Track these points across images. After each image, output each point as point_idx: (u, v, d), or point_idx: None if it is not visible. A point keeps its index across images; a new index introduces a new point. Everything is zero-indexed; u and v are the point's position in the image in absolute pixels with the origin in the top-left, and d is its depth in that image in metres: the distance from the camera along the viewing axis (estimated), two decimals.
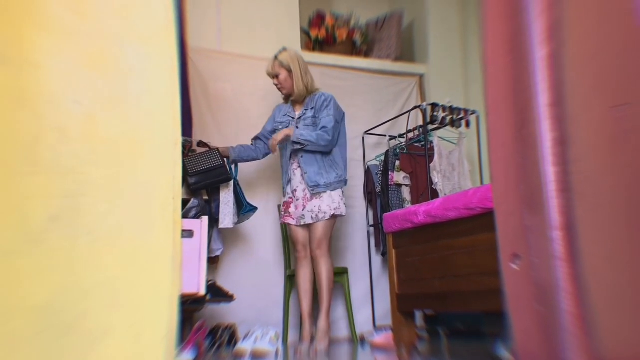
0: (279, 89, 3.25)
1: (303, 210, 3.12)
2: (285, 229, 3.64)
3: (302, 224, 3.12)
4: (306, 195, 3.12)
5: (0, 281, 1.00)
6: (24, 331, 0.98)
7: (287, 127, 3.20)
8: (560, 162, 0.54)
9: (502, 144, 0.60)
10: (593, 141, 0.51)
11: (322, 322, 3.03)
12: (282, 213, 3.24)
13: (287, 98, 3.30)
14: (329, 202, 3.09)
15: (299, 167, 3.15)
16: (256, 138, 3.41)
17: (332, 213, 3.07)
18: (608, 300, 0.52)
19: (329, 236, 3.14)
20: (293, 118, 3.23)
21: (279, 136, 3.11)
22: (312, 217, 3.08)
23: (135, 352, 1.05)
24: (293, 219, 3.17)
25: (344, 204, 3.16)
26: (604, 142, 0.50)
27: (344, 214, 3.14)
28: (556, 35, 0.55)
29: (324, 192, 3.09)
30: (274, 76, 3.22)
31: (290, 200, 3.21)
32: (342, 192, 3.16)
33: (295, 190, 3.17)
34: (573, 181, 0.53)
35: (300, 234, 3.17)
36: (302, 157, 3.13)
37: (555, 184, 0.55)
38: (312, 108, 3.17)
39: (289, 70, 3.18)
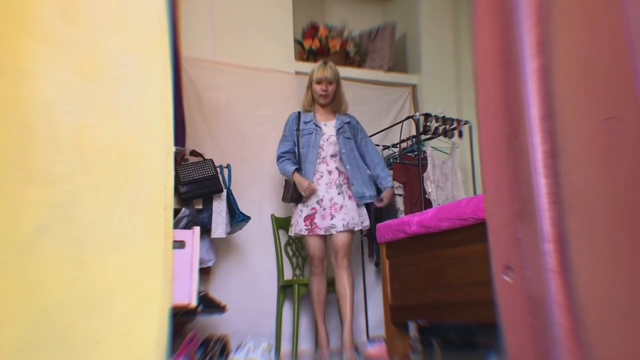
0: (322, 95, 3.29)
1: (332, 219, 3.15)
2: (278, 239, 3.62)
3: (332, 232, 3.15)
4: (335, 204, 3.17)
5: None
6: (13, 343, 0.96)
7: (310, 134, 3.27)
8: (552, 174, 0.54)
9: (494, 156, 0.61)
10: (583, 153, 0.51)
11: (347, 333, 3.04)
12: (308, 226, 3.19)
13: (310, 106, 3.37)
14: (361, 212, 3.23)
15: (338, 177, 3.23)
16: (289, 152, 3.37)
17: (362, 227, 3.22)
18: (600, 313, 0.52)
19: (351, 248, 3.23)
20: (318, 127, 3.30)
21: (388, 199, 3.34)
22: (343, 225, 3.13)
23: None
24: (321, 229, 3.16)
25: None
26: (594, 154, 0.50)
27: (365, 228, 3.33)
28: (546, 49, 0.56)
29: (364, 203, 3.26)
30: (330, 82, 3.28)
31: (314, 211, 3.20)
32: None
33: (322, 200, 3.19)
34: (564, 193, 0.53)
35: (321, 248, 3.21)
36: (348, 167, 3.24)
37: (546, 196, 0.55)
38: (348, 123, 3.33)
39: (338, 83, 3.33)
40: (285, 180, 3.35)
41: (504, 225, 0.62)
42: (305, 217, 3.20)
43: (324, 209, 3.18)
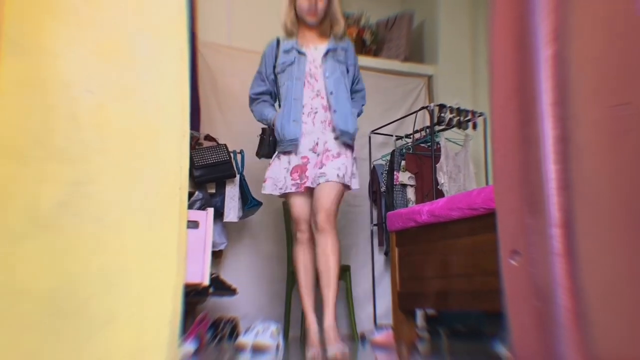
0: (309, 13, 2.54)
1: (321, 168, 2.39)
2: (288, 225, 3.65)
3: (320, 182, 2.37)
4: (328, 150, 2.42)
5: (10, 264, 1.02)
6: (33, 314, 1.00)
7: (292, 65, 2.53)
8: (561, 160, 0.55)
9: (506, 142, 0.62)
10: (593, 140, 0.52)
11: (330, 320, 2.30)
12: (297, 180, 2.44)
13: (293, 28, 2.60)
14: (353, 164, 2.51)
15: (327, 110, 2.47)
16: (264, 93, 2.66)
17: (352, 187, 2.47)
18: (604, 297, 0.53)
19: (338, 209, 2.46)
20: (301, 53, 2.54)
21: None
22: (338, 175, 2.36)
23: (138, 338, 1.07)
24: (310, 180, 2.41)
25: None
26: (603, 140, 0.51)
27: (354, 188, 2.55)
28: (561, 36, 0.57)
29: (349, 147, 2.49)
30: None
31: (306, 160, 2.44)
32: None
33: (317, 145, 2.45)
34: (573, 179, 0.54)
35: (307, 209, 2.46)
36: (331, 93, 2.48)
37: (555, 181, 0.56)
38: (343, 49, 2.58)
39: None
40: (262, 129, 2.65)
41: (512, 211, 0.63)
42: (294, 168, 2.45)
43: (317, 155, 2.44)
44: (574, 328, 0.55)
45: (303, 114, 2.47)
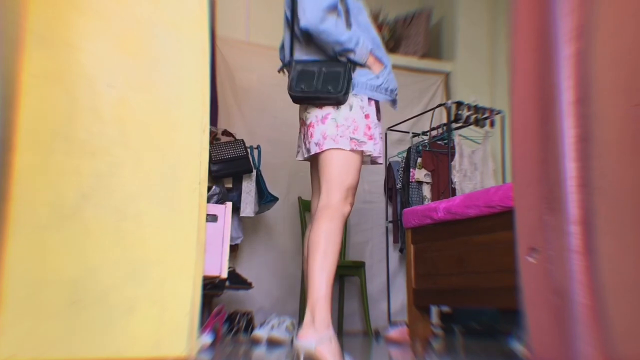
0: None
1: None
2: (303, 221, 3.66)
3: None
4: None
5: (35, 254, 1.05)
6: (57, 302, 1.03)
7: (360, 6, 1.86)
8: (581, 158, 0.55)
9: (525, 139, 0.62)
10: (615, 138, 0.52)
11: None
12: (375, 141, 1.81)
13: None
14: None
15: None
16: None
17: None
18: (623, 294, 0.53)
19: None
20: None
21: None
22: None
23: (158, 328, 1.09)
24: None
25: None
26: (625, 139, 0.51)
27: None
28: (585, 34, 0.56)
29: None
30: None
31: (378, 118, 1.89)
32: None
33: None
34: (593, 177, 0.54)
35: None
36: None
37: (575, 179, 0.56)
38: None
39: None
40: (349, 59, 1.76)
41: (530, 208, 0.63)
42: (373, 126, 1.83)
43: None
44: (592, 325, 0.55)
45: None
